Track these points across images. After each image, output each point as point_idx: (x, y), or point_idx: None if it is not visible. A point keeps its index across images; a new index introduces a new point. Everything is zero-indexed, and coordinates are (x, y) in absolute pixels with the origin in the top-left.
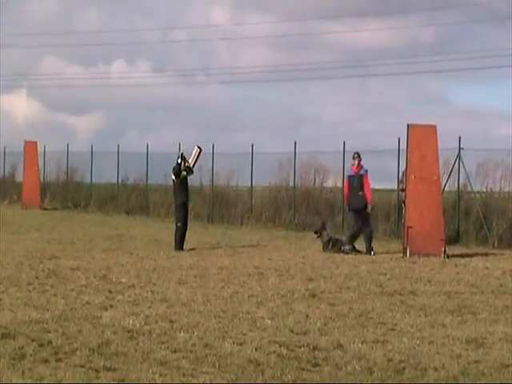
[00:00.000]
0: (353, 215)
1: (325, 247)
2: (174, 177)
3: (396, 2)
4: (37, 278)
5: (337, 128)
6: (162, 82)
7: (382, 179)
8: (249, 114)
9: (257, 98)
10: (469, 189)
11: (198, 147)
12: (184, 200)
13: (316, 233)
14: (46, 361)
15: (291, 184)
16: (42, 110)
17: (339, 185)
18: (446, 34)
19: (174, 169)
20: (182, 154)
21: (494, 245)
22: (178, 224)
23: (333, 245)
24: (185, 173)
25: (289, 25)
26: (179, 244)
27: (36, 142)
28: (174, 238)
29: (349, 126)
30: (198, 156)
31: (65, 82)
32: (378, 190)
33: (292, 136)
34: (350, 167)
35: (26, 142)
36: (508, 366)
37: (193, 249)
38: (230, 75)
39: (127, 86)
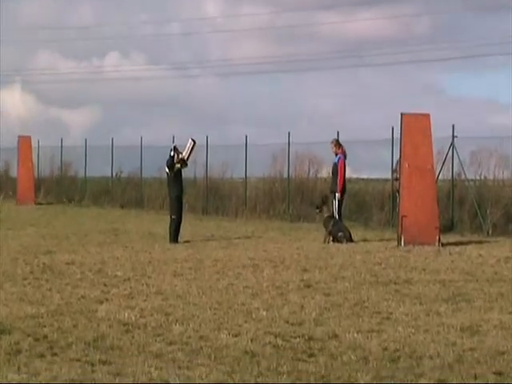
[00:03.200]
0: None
1: (326, 223)
2: (167, 170)
3: None
4: (32, 272)
5: (332, 119)
6: (156, 76)
7: (376, 169)
8: (243, 106)
9: (251, 90)
10: (463, 177)
11: (192, 140)
12: (178, 193)
13: (317, 208)
14: (42, 355)
15: (285, 175)
16: (36, 105)
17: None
18: (439, 23)
19: (167, 162)
20: (174, 147)
21: (488, 233)
22: (173, 216)
23: (334, 223)
24: (179, 165)
25: (282, 16)
26: (174, 237)
27: (30, 137)
28: (168, 231)
29: (343, 116)
30: (191, 149)
31: (58, 77)
32: (372, 180)
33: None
34: None
35: (19, 137)
36: (503, 353)
37: (187, 241)
38: (224, 67)
39: (121, 80)
